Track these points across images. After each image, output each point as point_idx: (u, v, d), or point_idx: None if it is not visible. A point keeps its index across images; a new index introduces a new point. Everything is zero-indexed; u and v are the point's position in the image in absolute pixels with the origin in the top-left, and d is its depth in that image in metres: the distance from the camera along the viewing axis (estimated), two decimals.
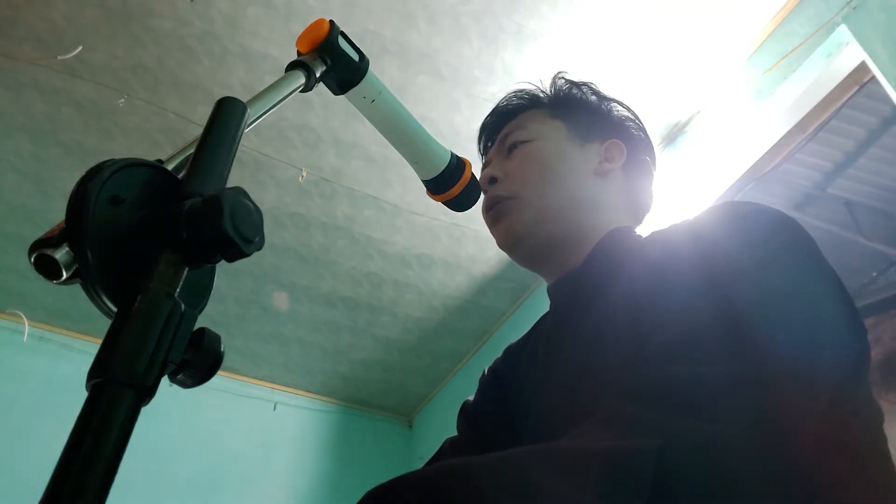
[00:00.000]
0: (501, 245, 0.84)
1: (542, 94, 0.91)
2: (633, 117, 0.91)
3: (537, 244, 0.81)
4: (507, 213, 0.82)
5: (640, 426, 0.46)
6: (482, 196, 0.87)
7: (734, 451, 0.44)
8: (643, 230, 0.84)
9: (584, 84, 0.91)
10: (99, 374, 0.35)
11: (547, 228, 0.80)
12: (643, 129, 0.91)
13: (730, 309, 0.51)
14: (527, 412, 0.77)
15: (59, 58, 2.33)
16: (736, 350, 0.49)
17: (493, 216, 0.83)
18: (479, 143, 0.95)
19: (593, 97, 0.90)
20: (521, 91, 0.92)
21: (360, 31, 2.29)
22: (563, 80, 0.91)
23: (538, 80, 0.92)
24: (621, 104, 0.92)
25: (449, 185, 0.86)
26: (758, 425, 0.46)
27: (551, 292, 0.83)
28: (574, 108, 0.89)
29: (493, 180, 0.84)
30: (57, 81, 2.47)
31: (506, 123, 0.90)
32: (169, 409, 2.59)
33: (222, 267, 0.46)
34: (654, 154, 0.92)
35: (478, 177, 0.88)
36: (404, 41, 2.35)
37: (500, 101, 0.93)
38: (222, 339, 0.41)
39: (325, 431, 3.90)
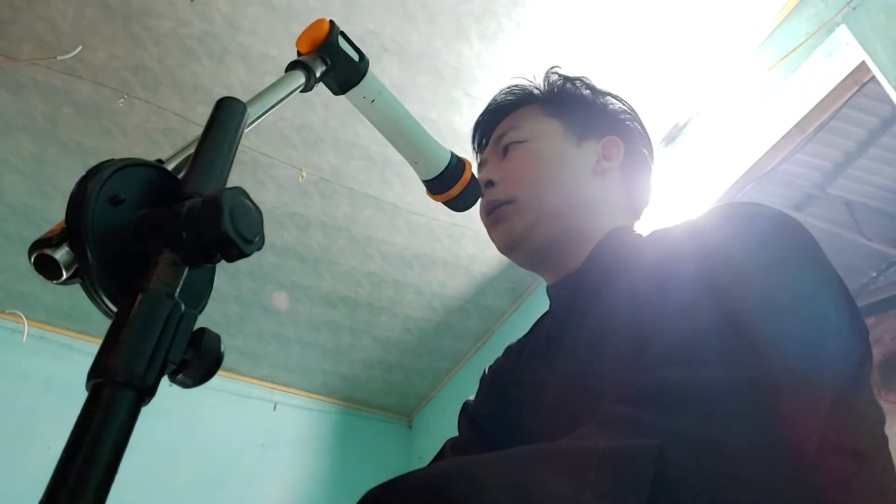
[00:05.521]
0: (500, 248, 0.83)
1: (535, 90, 0.89)
2: (628, 110, 0.89)
3: (536, 247, 0.80)
4: (506, 217, 0.81)
5: (640, 429, 0.46)
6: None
7: (735, 454, 0.44)
8: (642, 226, 0.83)
9: (578, 78, 0.89)
10: (99, 375, 0.35)
11: (545, 231, 0.79)
12: (639, 121, 0.89)
13: (731, 312, 0.51)
14: (528, 413, 0.77)
15: (58, 58, 2.33)
16: (737, 353, 0.49)
17: (492, 220, 0.83)
18: (473, 141, 0.93)
19: (587, 91, 0.88)
20: (514, 87, 0.90)
21: (360, 31, 2.29)
22: (556, 76, 0.89)
23: (533, 77, 0.91)
24: (616, 97, 0.90)
25: (449, 185, 0.86)
26: (759, 429, 0.45)
27: (551, 293, 0.82)
28: (569, 105, 0.87)
29: (489, 184, 0.83)
30: (57, 81, 2.47)
31: (500, 121, 0.88)
32: (169, 409, 2.59)
33: (222, 267, 0.46)
34: (651, 146, 0.90)
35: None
36: (404, 41, 2.35)
37: (494, 98, 0.91)
38: (222, 339, 0.41)
39: (325, 431, 3.90)
